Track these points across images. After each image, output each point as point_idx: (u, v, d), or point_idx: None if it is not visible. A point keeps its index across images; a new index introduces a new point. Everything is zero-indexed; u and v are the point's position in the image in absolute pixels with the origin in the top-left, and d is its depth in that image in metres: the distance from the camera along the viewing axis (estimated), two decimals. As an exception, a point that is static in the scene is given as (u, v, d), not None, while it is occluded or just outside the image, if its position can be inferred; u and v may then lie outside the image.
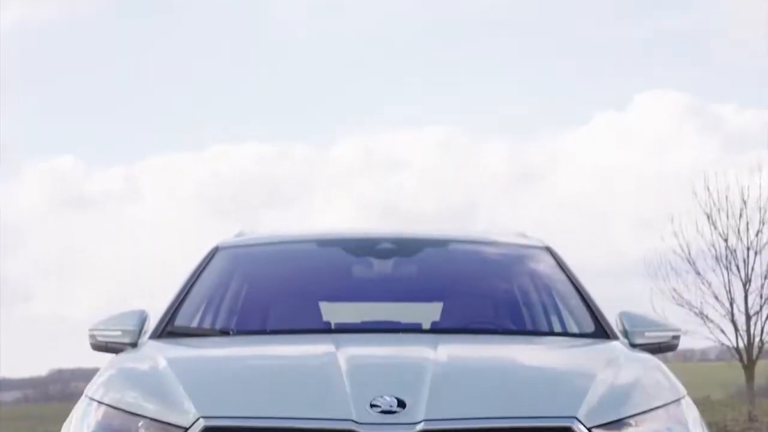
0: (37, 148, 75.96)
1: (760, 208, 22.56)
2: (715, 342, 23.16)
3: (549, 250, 5.29)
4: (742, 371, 22.84)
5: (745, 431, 19.54)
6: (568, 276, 5.05)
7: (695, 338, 23.33)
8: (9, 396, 53.64)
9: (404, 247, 5.35)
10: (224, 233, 5.55)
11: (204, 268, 5.07)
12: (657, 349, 4.53)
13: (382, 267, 5.32)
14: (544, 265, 5.22)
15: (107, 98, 73.57)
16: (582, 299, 4.85)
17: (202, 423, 3.32)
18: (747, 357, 22.51)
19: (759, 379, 24.87)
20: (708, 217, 23.00)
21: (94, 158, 77.53)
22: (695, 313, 22.74)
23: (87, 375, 4.00)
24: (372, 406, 3.32)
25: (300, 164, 68.27)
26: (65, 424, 3.77)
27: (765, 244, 22.73)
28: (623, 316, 4.64)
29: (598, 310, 4.75)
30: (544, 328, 5.03)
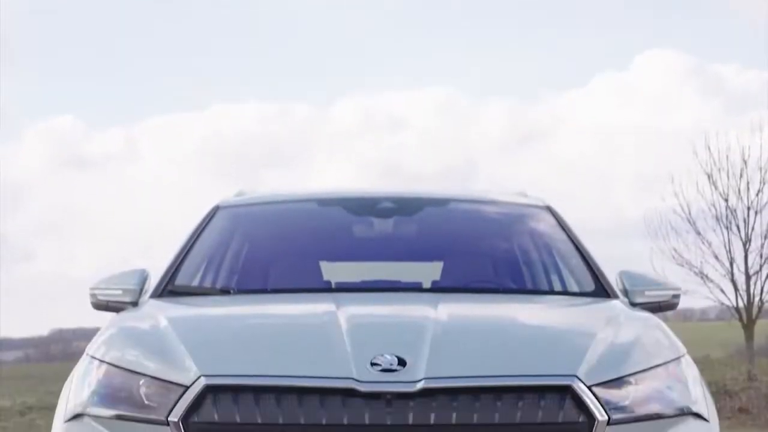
0: (37, 109, 75.84)
1: (760, 168, 22.49)
2: (714, 302, 23.16)
3: (549, 209, 5.29)
4: (742, 331, 22.87)
5: (745, 390, 19.58)
6: (568, 235, 5.05)
7: (695, 298, 23.35)
8: (10, 356, 53.80)
9: (405, 206, 5.35)
10: (225, 193, 5.55)
11: (204, 228, 5.07)
12: (657, 308, 4.54)
13: (383, 226, 5.32)
14: (545, 224, 5.22)
15: (107, 58, 73.32)
16: (582, 258, 4.85)
17: (203, 381, 3.32)
18: (746, 316, 22.53)
19: (758, 339, 24.91)
20: (708, 176, 22.93)
21: (93, 119, 77.43)
22: (695, 272, 22.74)
23: (88, 335, 4.00)
24: (372, 364, 3.32)
25: (300, 124, 68.22)
26: (66, 383, 3.77)
27: (765, 204, 22.67)
28: (623, 275, 4.64)
29: (598, 269, 4.75)
30: (545, 287, 5.03)
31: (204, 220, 5.14)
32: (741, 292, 22.51)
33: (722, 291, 22.62)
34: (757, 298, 22.50)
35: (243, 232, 5.33)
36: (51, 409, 4.04)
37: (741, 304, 22.54)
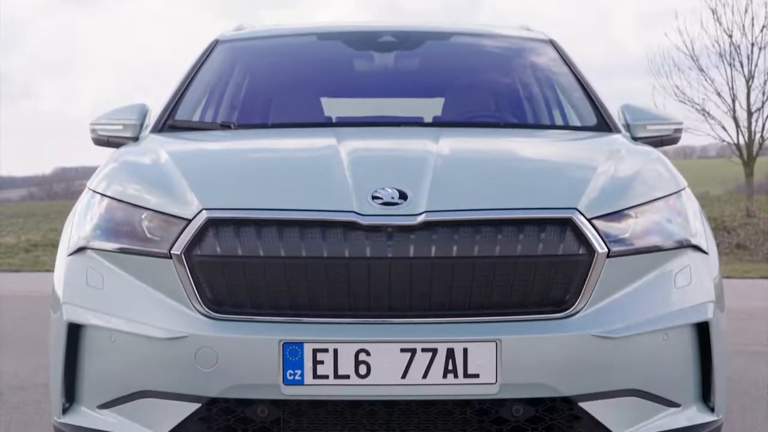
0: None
1: (765, 4, 22.37)
2: (715, 138, 23.22)
3: (552, 43, 5.24)
4: (741, 168, 22.95)
5: (743, 226, 19.77)
6: (570, 69, 5.02)
7: (696, 135, 23.44)
8: (14, 194, 54.23)
9: (406, 40, 5.29)
10: (224, 29, 5.49)
11: (204, 62, 5.03)
12: (659, 142, 4.54)
13: (384, 61, 5.27)
14: (547, 58, 5.17)
15: None
16: (585, 92, 4.83)
17: (204, 215, 3.32)
18: (747, 153, 22.59)
19: (758, 176, 25.02)
20: (713, 12, 22.74)
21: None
22: (697, 109, 22.74)
23: (90, 173, 3.99)
24: (374, 197, 3.33)
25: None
26: (69, 218, 3.78)
27: (770, 40, 22.51)
28: (625, 109, 4.63)
29: (600, 102, 4.73)
30: (546, 121, 5.02)
31: (203, 54, 5.09)
32: (742, 128, 22.55)
33: (723, 128, 22.66)
34: (758, 135, 22.53)
35: (243, 67, 5.28)
36: (55, 245, 4.08)
37: (742, 141, 22.58)
